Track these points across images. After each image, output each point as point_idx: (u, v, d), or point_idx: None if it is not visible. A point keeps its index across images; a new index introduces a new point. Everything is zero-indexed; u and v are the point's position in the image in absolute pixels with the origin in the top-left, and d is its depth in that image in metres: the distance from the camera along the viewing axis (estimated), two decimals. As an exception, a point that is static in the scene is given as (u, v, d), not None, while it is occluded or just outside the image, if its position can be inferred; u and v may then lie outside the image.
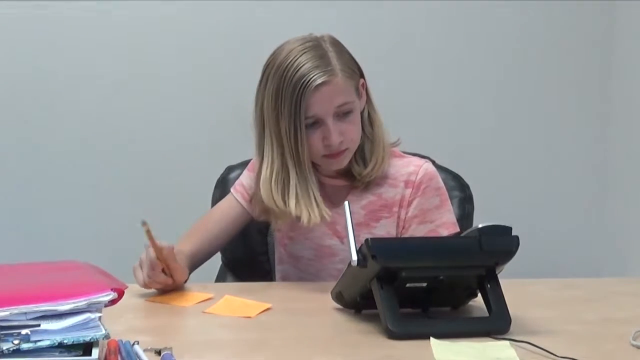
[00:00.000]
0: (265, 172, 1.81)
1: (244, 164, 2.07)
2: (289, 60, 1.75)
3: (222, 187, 2.08)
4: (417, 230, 1.87)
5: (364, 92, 1.85)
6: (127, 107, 2.83)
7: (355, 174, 1.86)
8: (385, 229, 1.88)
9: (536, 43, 3.05)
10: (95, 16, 2.77)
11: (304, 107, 1.74)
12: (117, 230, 2.81)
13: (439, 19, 2.98)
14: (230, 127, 2.76)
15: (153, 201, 2.82)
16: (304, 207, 1.80)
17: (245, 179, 1.94)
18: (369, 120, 1.87)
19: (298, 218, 1.81)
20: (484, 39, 3.02)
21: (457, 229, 1.89)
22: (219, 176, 2.13)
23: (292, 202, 1.80)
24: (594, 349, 1.39)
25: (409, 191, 1.88)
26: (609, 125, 3.10)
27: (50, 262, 1.42)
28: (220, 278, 2.09)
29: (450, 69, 3.00)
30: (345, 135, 1.79)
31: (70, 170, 2.81)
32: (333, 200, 1.89)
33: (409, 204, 1.88)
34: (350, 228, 1.48)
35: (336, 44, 1.81)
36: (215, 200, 2.05)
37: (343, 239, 1.88)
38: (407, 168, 1.90)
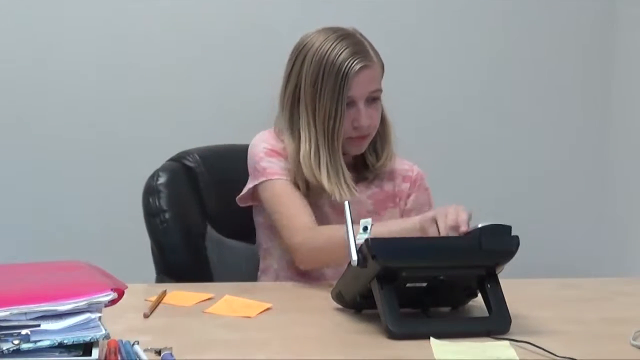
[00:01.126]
0: (305, 147, 1.89)
1: (168, 169, 2.05)
2: (330, 45, 1.87)
3: (156, 195, 2.00)
4: None
5: None
6: (119, 107, 2.83)
7: (369, 164, 1.96)
8: (391, 218, 1.99)
9: (537, 42, 3.05)
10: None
11: (347, 88, 1.84)
12: (117, 230, 2.81)
13: (438, 19, 2.98)
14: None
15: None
16: (334, 185, 1.88)
17: (280, 164, 1.91)
18: (381, 119, 1.96)
19: (329, 195, 1.88)
20: (484, 38, 3.02)
21: None
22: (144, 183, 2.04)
23: (324, 179, 1.87)
24: (594, 349, 1.39)
25: (407, 185, 2.02)
26: (609, 125, 3.10)
27: (50, 262, 1.42)
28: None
29: (449, 68, 3.00)
30: (371, 120, 1.90)
31: (70, 170, 2.81)
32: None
33: (408, 196, 2.02)
34: (350, 228, 1.49)
35: (364, 36, 1.93)
36: (151, 209, 1.98)
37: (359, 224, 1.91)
38: (402, 165, 2.04)
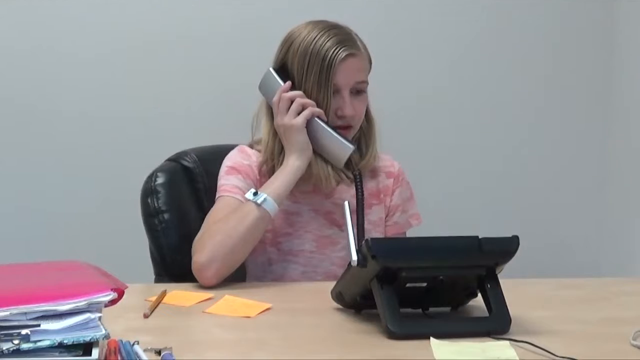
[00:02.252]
0: None
1: (167, 170, 2.04)
2: (316, 34, 1.87)
3: (155, 196, 1.99)
4: (400, 218, 2.03)
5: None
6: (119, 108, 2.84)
7: (353, 163, 1.92)
8: (377, 215, 2.00)
9: (536, 42, 3.04)
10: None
11: (332, 75, 1.85)
12: (117, 230, 2.80)
13: (436, 19, 2.98)
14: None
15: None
16: (321, 170, 1.90)
17: (235, 181, 1.91)
18: (366, 115, 1.96)
19: (316, 180, 1.90)
20: (483, 39, 3.02)
21: (421, 220, 2.06)
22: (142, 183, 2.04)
23: (312, 165, 1.89)
24: (594, 349, 1.39)
25: (390, 181, 2.02)
26: (609, 124, 3.10)
27: (50, 262, 1.42)
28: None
29: (448, 68, 3.00)
30: (355, 111, 1.89)
31: (70, 170, 2.81)
32: (324, 190, 1.94)
33: (392, 192, 2.02)
34: (349, 228, 1.49)
35: (354, 32, 1.93)
36: (149, 210, 1.98)
37: (341, 227, 1.92)
38: (383, 162, 2.03)
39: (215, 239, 1.79)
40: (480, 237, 1.46)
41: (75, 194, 2.81)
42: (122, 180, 2.82)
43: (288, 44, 1.90)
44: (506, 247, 1.47)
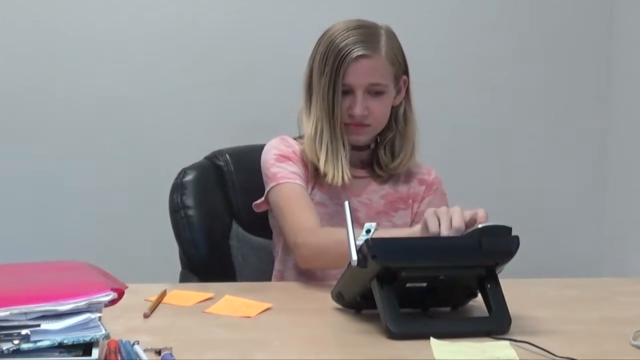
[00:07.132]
0: (310, 130, 1.92)
1: (197, 167, 2.08)
2: (342, 30, 1.89)
3: (180, 192, 2.05)
4: None
5: (403, 89, 1.96)
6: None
7: (382, 164, 1.95)
8: (402, 219, 1.99)
9: (535, 42, 3.05)
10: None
11: (342, 74, 1.84)
12: (117, 230, 2.81)
13: (435, 19, 2.98)
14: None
15: (152, 201, 2.81)
16: (330, 166, 1.89)
17: (289, 167, 1.92)
18: (404, 117, 1.98)
19: (324, 175, 1.91)
20: (482, 38, 3.02)
21: None
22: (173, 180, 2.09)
23: (322, 159, 1.90)
24: (594, 349, 1.39)
25: (422, 188, 2.01)
26: (608, 124, 3.10)
27: (50, 262, 1.42)
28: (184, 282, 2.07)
29: (449, 68, 3.00)
30: (370, 111, 1.90)
31: (70, 169, 2.81)
32: (353, 189, 1.95)
33: (422, 199, 2.01)
34: (350, 228, 1.49)
35: (391, 34, 1.94)
36: (173, 205, 2.03)
37: (362, 225, 1.91)
38: (418, 168, 2.03)
39: (326, 247, 1.77)
40: (480, 235, 1.46)
41: (75, 194, 2.81)
42: (122, 182, 2.83)
43: (319, 41, 1.92)
44: (506, 247, 1.47)
